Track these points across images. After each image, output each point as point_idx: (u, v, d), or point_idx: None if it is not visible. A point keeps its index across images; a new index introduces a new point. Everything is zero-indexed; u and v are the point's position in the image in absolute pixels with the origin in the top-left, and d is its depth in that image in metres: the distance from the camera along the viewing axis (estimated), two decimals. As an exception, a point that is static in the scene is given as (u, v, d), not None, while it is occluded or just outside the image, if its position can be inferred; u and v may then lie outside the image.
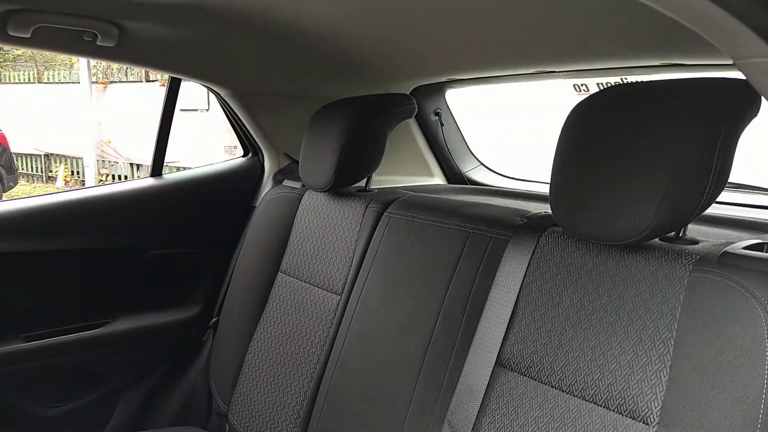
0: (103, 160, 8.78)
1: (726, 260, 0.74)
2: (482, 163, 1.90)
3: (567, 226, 0.86)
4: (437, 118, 1.77)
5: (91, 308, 1.46)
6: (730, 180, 0.76)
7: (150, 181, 1.56)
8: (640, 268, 0.81)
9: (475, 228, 1.07)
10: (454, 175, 1.86)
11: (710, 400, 0.68)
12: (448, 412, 0.96)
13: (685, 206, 0.75)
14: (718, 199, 0.77)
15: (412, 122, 1.75)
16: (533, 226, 0.98)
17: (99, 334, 1.46)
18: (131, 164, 8.63)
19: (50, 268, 1.42)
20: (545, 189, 0.88)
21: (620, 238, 0.78)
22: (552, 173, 0.87)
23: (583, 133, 0.84)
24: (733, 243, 0.79)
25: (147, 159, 8.03)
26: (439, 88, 1.70)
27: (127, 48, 1.23)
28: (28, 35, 1.10)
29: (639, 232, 0.76)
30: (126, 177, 8.44)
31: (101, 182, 8.01)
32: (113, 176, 8.57)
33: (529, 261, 0.94)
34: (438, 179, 1.88)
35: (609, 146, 0.80)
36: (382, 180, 1.68)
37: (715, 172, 0.73)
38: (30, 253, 1.39)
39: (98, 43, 1.20)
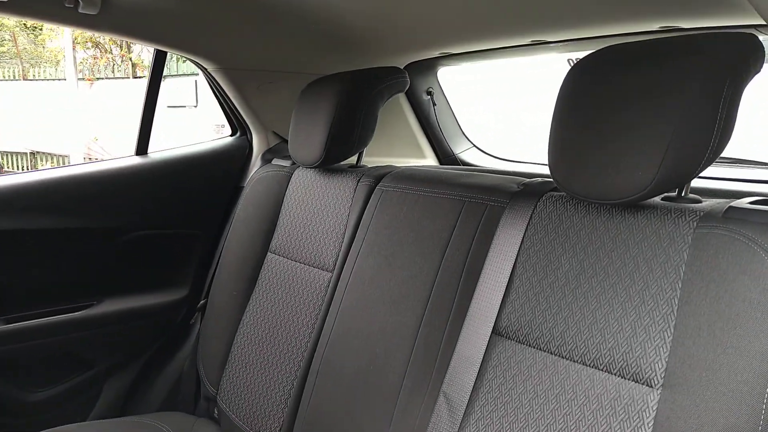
0: (90, 158, 8.68)
1: (731, 215, 0.72)
2: (475, 145, 1.88)
3: (566, 187, 0.83)
4: (429, 97, 1.74)
5: (75, 290, 1.41)
6: (730, 155, 0.74)
7: (136, 160, 1.51)
8: (642, 227, 0.79)
9: (470, 196, 1.04)
10: (446, 156, 1.83)
11: (717, 356, 0.66)
12: (443, 384, 0.93)
13: (689, 161, 0.73)
14: (718, 175, 0.74)
15: (404, 102, 1.73)
16: (530, 191, 0.95)
17: (83, 317, 1.41)
18: (119, 162, 8.52)
19: (32, 248, 1.37)
20: (542, 170, 0.84)
21: (621, 196, 0.76)
22: (550, 133, 0.84)
23: (582, 91, 0.81)
24: (738, 200, 0.76)
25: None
26: (431, 66, 1.67)
27: (110, 16, 1.19)
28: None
29: (641, 189, 0.73)
30: None
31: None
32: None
33: (527, 227, 0.91)
34: (430, 160, 1.85)
35: (609, 102, 0.77)
36: (373, 161, 1.65)
37: (719, 126, 0.71)
38: (11, 231, 1.34)
39: (80, 11, 1.16)
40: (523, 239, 0.91)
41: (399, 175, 1.23)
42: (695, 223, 0.74)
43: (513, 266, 0.91)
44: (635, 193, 0.74)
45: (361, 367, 1.10)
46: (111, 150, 8.51)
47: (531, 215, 0.92)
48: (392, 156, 1.78)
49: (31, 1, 1.09)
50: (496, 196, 1.00)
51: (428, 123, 1.77)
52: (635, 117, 0.74)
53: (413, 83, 1.69)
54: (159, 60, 1.44)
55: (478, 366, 0.90)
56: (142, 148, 1.52)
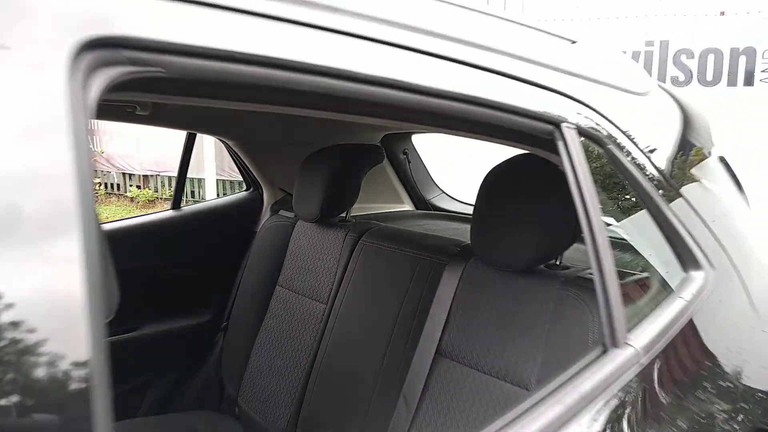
0: (96, 170, 9.05)
1: (578, 282, 1.13)
2: (443, 191, 2.30)
3: (482, 258, 1.25)
4: (405, 156, 2.16)
5: (130, 315, 1.82)
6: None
7: (171, 213, 1.93)
8: (530, 286, 1.20)
9: (423, 255, 1.45)
10: (420, 202, 2.25)
11: (562, 370, 1.07)
12: (403, 389, 1.34)
13: (554, 245, 1.14)
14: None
15: (386, 161, 2.14)
16: (463, 254, 1.37)
17: (133, 336, 1.82)
18: (123, 174, 8.92)
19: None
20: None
21: (515, 265, 1.17)
22: (472, 220, 1.25)
23: (491, 193, 1.22)
24: (587, 269, 1.17)
25: (139, 168, 8.38)
26: (406, 135, 2.09)
27: (158, 116, 1.60)
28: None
29: (526, 262, 1.15)
30: (119, 186, 8.71)
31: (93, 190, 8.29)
32: (105, 185, 8.81)
33: (459, 280, 1.33)
34: (407, 206, 2.26)
35: (505, 203, 1.18)
36: (363, 207, 2.06)
37: (569, 224, 1.12)
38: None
39: (136, 113, 1.57)
40: (456, 288, 1.32)
41: (376, 233, 1.64)
42: (558, 286, 1.15)
43: (450, 307, 1.32)
44: (524, 264, 1.15)
45: (346, 376, 1.51)
46: (116, 163, 8.89)
47: (462, 271, 1.33)
48: (377, 202, 2.19)
49: (103, 108, 1.50)
50: (441, 256, 1.41)
51: (405, 177, 2.18)
52: (521, 215, 1.15)
53: (392, 147, 2.10)
54: (191, 138, 1.86)
55: (425, 377, 1.31)
56: (176, 203, 1.94)
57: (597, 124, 0.84)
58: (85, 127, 0.44)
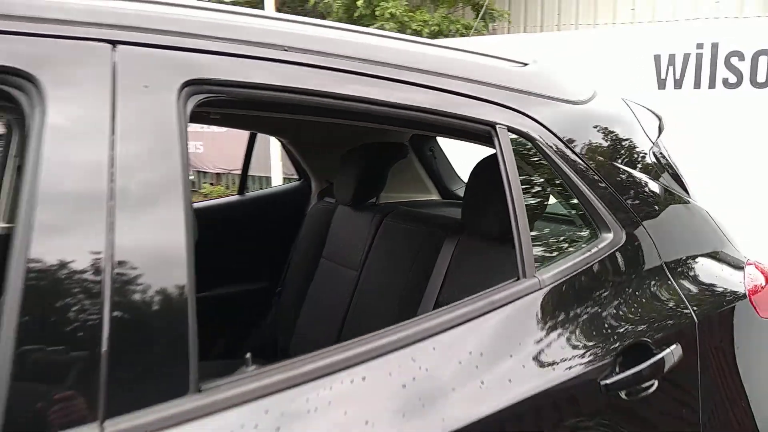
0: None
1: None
2: (465, 183, 2.64)
3: (470, 229, 1.61)
4: (431, 153, 2.53)
5: (200, 280, 2.28)
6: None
7: (237, 197, 2.38)
8: (503, 251, 1.55)
9: (429, 230, 1.82)
10: (446, 192, 2.61)
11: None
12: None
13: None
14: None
15: (414, 158, 2.51)
16: (460, 229, 1.73)
17: (205, 296, 2.27)
18: (198, 172, 9.68)
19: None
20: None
21: (490, 233, 1.52)
22: (463, 201, 1.61)
23: (474, 181, 1.58)
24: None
25: (212, 167, 9.10)
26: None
27: (230, 119, 2.04)
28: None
29: (497, 231, 1.49)
30: (194, 182, 9.47)
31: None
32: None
33: (454, 248, 1.69)
34: (434, 196, 2.63)
35: (483, 187, 1.53)
36: (396, 196, 2.45)
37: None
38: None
39: (211, 116, 2.02)
40: (452, 255, 1.68)
41: (396, 214, 2.02)
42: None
43: (446, 270, 1.68)
44: (496, 232, 1.50)
45: (369, 329, 1.89)
46: (192, 163, 9.66)
47: (457, 242, 1.69)
48: (408, 193, 2.57)
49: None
50: (443, 231, 1.78)
51: (431, 170, 2.55)
52: (490, 195, 1.49)
53: (419, 145, 2.48)
54: (253, 136, 2.31)
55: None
56: (241, 189, 2.39)
57: (525, 125, 1.19)
58: (185, 127, 0.84)
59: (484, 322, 1.02)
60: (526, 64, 1.35)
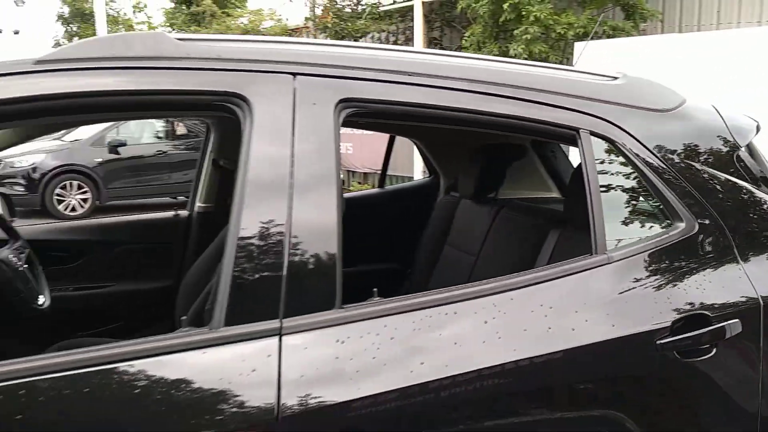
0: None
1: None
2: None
3: (569, 219, 1.85)
4: (552, 153, 2.76)
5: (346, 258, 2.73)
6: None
7: (378, 190, 2.80)
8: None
9: (536, 221, 2.08)
10: (564, 189, 2.82)
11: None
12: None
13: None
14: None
15: (535, 158, 2.76)
16: (563, 221, 1.97)
17: (347, 272, 2.72)
18: (347, 171, 10.48)
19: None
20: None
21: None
22: (566, 195, 1.86)
23: (573, 181, 1.82)
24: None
25: (360, 167, 9.82)
26: (550, 137, 2.69)
27: (373, 125, 2.46)
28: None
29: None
30: (344, 181, 10.26)
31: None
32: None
33: (557, 238, 1.94)
34: (554, 193, 2.85)
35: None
36: (518, 192, 2.71)
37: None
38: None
39: (359, 122, 2.44)
40: (554, 246, 1.93)
41: (511, 206, 2.30)
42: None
43: (550, 256, 1.94)
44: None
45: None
46: (343, 163, 10.48)
47: (560, 233, 1.93)
48: (529, 190, 2.82)
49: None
50: (548, 222, 2.02)
51: (552, 170, 2.78)
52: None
53: (541, 146, 2.72)
54: (392, 140, 2.71)
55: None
56: (381, 183, 2.80)
57: (607, 130, 1.43)
58: (338, 132, 1.23)
59: (556, 284, 1.30)
60: (616, 78, 1.59)
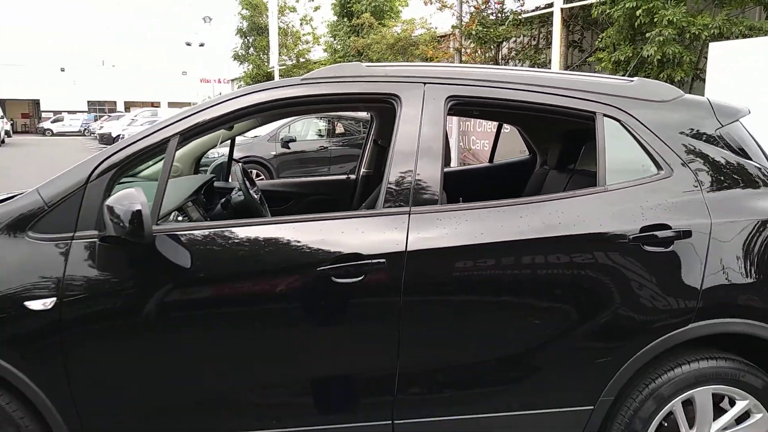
0: (465, 163, 11.77)
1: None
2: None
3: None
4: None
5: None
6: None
7: (488, 164, 3.79)
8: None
9: (585, 180, 2.96)
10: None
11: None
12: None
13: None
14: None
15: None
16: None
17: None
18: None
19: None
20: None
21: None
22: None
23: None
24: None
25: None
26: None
27: (484, 115, 3.46)
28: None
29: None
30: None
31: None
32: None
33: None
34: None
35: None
36: (591, 164, 3.56)
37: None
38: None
39: (473, 113, 3.47)
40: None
41: (580, 173, 3.19)
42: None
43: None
44: None
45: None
46: (478, 157, 11.43)
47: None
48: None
49: (456, 112, 3.44)
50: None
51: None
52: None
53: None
54: (500, 127, 3.69)
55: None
56: (491, 158, 3.79)
57: (620, 116, 2.32)
58: (446, 116, 2.29)
59: (574, 199, 2.24)
60: (632, 81, 2.47)
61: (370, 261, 2.09)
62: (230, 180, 3.69)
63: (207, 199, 3.22)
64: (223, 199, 3.07)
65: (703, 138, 2.37)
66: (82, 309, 2.01)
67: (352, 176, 3.80)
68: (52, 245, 2.03)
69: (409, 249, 2.11)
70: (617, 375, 2.20)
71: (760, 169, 2.38)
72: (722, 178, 2.33)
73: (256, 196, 3.08)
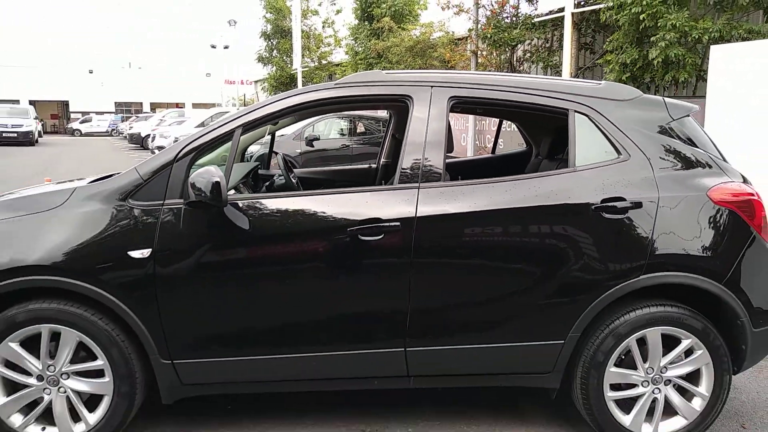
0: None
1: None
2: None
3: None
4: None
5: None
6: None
7: (490, 155, 4.39)
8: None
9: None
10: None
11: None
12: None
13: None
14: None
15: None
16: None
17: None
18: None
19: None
20: None
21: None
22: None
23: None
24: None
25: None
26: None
27: (486, 113, 4.07)
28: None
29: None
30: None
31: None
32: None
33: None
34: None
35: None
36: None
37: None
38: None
39: (476, 112, 4.07)
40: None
41: (564, 161, 3.78)
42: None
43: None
44: None
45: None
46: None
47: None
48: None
49: (463, 110, 4.05)
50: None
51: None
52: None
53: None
54: (500, 122, 4.29)
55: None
56: (493, 150, 4.39)
57: (588, 111, 2.91)
58: (448, 114, 2.91)
59: (551, 177, 2.85)
60: (600, 83, 3.07)
61: (388, 224, 2.71)
62: (269, 169, 4.35)
63: (253, 183, 3.88)
64: (268, 182, 3.73)
65: (656, 130, 2.96)
66: (170, 256, 2.67)
67: (374, 165, 4.43)
68: (148, 209, 2.70)
69: (418, 215, 2.73)
70: (582, 316, 2.79)
71: (702, 155, 2.95)
72: (670, 161, 2.91)
73: (294, 181, 3.73)
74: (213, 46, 39.68)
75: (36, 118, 31.43)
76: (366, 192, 2.87)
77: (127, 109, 55.31)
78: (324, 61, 26.60)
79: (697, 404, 2.90)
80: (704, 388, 2.89)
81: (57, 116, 55.80)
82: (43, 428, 2.78)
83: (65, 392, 2.73)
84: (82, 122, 46.71)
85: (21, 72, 52.12)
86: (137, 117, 36.82)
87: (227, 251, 2.71)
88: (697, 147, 2.98)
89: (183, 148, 2.77)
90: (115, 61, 65.64)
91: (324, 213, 2.74)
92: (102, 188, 2.76)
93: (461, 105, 3.06)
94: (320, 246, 2.75)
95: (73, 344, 2.69)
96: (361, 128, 13.35)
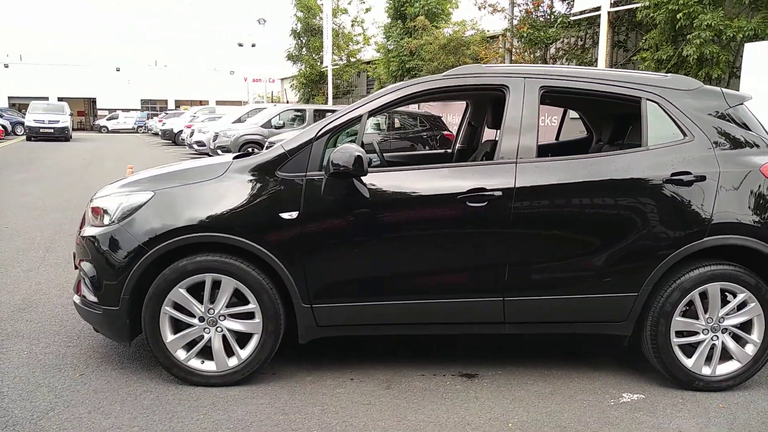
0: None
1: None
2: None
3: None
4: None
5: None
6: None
7: (555, 141, 4.91)
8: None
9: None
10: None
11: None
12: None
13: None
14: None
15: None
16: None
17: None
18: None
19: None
20: None
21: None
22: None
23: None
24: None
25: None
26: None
27: (557, 102, 4.59)
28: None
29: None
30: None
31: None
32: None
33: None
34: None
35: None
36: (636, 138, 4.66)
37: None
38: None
39: (546, 101, 4.60)
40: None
41: (625, 145, 4.29)
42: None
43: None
44: None
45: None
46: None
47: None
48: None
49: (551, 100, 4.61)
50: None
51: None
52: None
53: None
54: (565, 111, 4.81)
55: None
56: (557, 136, 4.90)
57: (658, 99, 3.42)
58: (539, 103, 3.45)
59: (619, 156, 3.37)
60: (666, 76, 3.58)
61: (491, 193, 3.25)
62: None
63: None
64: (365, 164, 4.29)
65: (716, 115, 3.47)
66: (313, 217, 3.24)
67: (449, 150, 4.98)
68: (294, 179, 3.27)
69: (516, 186, 3.26)
70: (653, 272, 3.31)
71: (754, 137, 3.46)
72: (728, 142, 3.42)
73: (386, 162, 4.30)
74: (240, 45, 40.44)
75: (71, 114, 32.41)
76: (472, 166, 3.42)
77: (152, 107, 56.41)
78: (353, 59, 27.16)
79: (750, 350, 3.41)
80: (756, 335, 3.39)
81: (83, 113, 56.99)
82: (202, 362, 3.35)
83: (222, 331, 3.31)
84: (108, 119, 47.72)
85: (49, 70, 53.36)
86: (167, 114, 37.70)
87: (358, 213, 3.28)
88: (750, 130, 3.48)
89: (321, 129, 3.34)
90: (142, 59, 66.83)
91: (439, 183, 3.30)
92: (254, 161, 3.34)
93: (550, 94, 3.59)
94: (434, 210, 3.30)
95: (231, 290, 3.27)
96: (397, 123, 13.89)
